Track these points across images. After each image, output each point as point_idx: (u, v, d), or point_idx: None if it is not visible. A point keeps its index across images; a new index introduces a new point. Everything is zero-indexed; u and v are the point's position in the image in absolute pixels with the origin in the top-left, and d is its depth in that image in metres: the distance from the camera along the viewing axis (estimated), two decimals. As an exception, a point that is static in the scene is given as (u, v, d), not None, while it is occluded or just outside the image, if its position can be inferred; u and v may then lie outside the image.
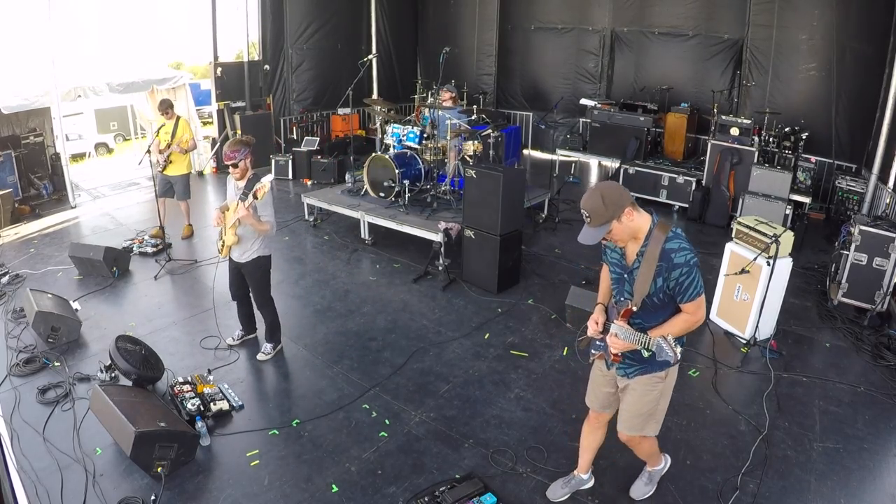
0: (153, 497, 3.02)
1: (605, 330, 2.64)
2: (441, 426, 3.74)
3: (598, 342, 2.70)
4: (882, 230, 4.98)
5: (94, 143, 16.84)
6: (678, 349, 2.41)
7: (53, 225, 7.43)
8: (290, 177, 9.44)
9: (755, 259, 4.42)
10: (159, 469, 3.16)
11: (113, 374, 4.05)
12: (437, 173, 7.09)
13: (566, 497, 3.17)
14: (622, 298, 2.57)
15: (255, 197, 3.81)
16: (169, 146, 6.36)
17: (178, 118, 6.50)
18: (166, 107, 6.43)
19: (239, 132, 9.53)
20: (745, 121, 7.51)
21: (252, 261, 4.16)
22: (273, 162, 9.45)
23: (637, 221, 2.41)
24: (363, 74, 9.07)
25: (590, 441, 3.12)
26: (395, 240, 6.65)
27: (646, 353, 2.51)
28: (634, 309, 2.49)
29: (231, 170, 4.01)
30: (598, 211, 2.35)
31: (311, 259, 6.40)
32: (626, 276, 2.53)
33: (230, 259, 4.27)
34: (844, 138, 7.66)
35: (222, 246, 4.19)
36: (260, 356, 4.45)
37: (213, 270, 6.04)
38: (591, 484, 3.24)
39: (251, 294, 4.37)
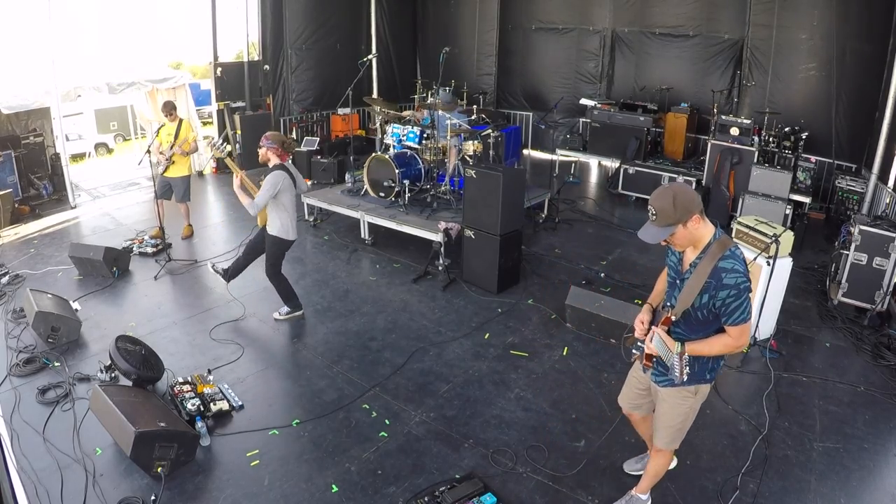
0: (153, 497, 3.02)
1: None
2: (441, 426, 3.74)
3: (639, 343, 2.65)
4: (882, 230, 4.98)
5: (94, 143, 16.83)
6: (686, 370, 2.37)
7: (53, 225, 7.43)
8: (290, 177, 9.42)
9: (755, 259, 4.42)
10: (159, 469, 3.16)
11: (113, 374, 4.05)
12: (437, 173, 7.09)
13: (639, 472, 3.25)
14: (668, 304, 2.52)
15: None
16: (172, 147, 6.36)
17: (182, 120, 6.51)
18: (170, 109, 6.43)
19: (239, 132, 9.55)
20: (745, 121, 7.52)
21: (270, 236, 4.78)
22: (273, 162, 9.45)
23: (701, 231, 2.35)
24: (363, 74, 9.07)
25: (643, 430, 3.16)
26: (395, 240, 6.65)
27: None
28: (674, 318, 2.44)
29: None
30: (667, 211, 2.29)
31: (311, 259, 6.40)
32: (678, 281, 2.50)
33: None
34: (844, 138, 7.66)
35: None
36: (275, 315, 5.01)
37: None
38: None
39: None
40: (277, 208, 4.65)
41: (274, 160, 4.66)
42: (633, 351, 2.73)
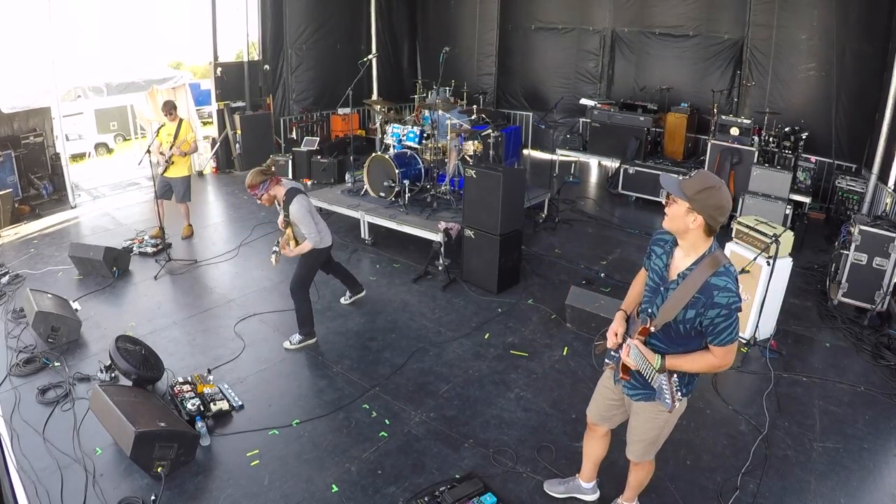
0: (153, 497, 3.03)
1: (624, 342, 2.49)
2: (441, 426, 3.74)
3: (612, 353, 2.54)
4: (882, 230, 4.98)
5: (94, 143, 16.82)
6: (678, 396, 2.20)
7: (53, 225, 7.42)
8: (290, 177, 9.41)
9: (755, 259, 4.42)
10: (159, 469, 3.16)
11: (113, 374, 4.05)
12: (437, 173, 7.09)
13: (561, 496, 3.15)
14: (648, 311, 2.35)
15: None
16: (171, 147, 6.36)
17: (181, 120, 6.51)
18: (170, 108, 6.43)
19: (239, 132, 9.55)
20: (745, 121, 7.51)
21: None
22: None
23: (699, 237, 2.21)
24: (363, 74, 9.06)
25: (590, 449, 3.01)
26: (395, 240, 6.65)
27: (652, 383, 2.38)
28: (653, 329, 2.30)
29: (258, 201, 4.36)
30: (694, 187, 2.14)
31: (311, 259, 6.39)
32: (661, 288, 2.32)
33: None
34: (844, 138, 7.66)
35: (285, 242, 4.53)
36: (285, 344, 4.61)
37: (212, 270, 6.06)
38: (593, 497, 3.13)
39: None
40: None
41: (279, 190, 4.32)
42: (606, 361, 2.64)
